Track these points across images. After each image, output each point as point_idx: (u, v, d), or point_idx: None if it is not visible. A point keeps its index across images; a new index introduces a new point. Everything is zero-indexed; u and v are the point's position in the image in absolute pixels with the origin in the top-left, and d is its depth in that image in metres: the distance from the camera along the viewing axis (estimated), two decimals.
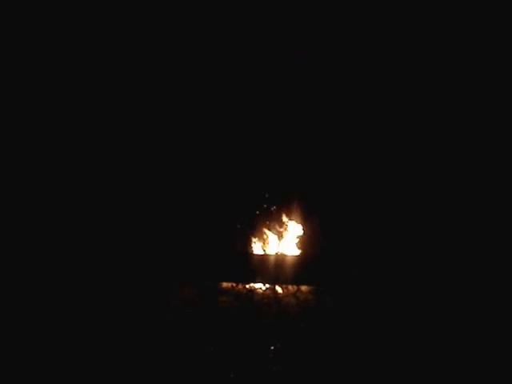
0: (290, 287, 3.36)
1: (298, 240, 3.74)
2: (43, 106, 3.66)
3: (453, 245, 3.38)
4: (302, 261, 3.58)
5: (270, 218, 3.78)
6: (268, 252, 3.72)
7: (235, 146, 3.76)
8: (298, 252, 3.69)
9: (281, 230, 3.79)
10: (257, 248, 3.75)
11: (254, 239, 3.76)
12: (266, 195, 3.78)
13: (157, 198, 3.70)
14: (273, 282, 3.40)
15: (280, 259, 3.55)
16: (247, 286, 3.39)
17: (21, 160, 3.63)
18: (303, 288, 3.35)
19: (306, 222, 3.74)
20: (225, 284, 3.42)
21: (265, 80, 3.71)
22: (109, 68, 3.69)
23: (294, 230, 3.77)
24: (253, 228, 3.77)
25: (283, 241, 3.77)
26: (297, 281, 3.40)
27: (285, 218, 3.79)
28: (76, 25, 3.64)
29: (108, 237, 3.58)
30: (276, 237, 3.78)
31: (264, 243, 3.77)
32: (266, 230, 3.77)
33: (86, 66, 3.68)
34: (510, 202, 3.37)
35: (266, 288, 3.37)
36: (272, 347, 2.61)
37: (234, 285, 3.40)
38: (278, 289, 3.36)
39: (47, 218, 3.57)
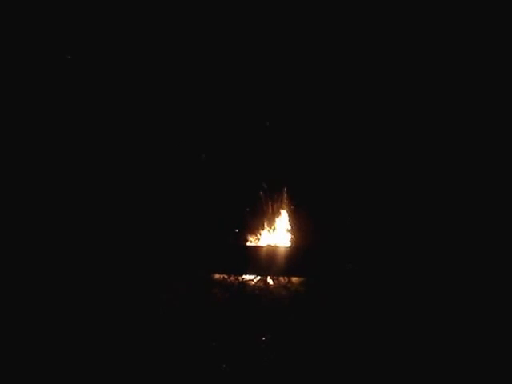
0: (281, 279, 3.38)
1: (289, 232, 3.77)
2: (43, 106, 3.64)
3: (444, 237, 3.41)
4: (292, 252, 3.61)
5: (261, 209, 3.80)
6: (259, 244, 3.74)
7: (227, 139, 3.76)
8: (289, 244, 3.72)
9: (272, 221, 3.81)
10: (248, 240, 3.77)
11: (245, 231, 3.78)
12: (258, 187, 3.79)
13: (148, 191, 3.70)
14: (264, 274, 3.43)
15: (271, 251, 3.57)
16: (239, 278, 3.41)
17: (20, 159, 3.61)
18: (294, 280, 3.37)
19: (297, 213, 3.76)
20: (216, 276, 3.43)
21: (258, 75, 3.70)
22: (109, 68, 3.67)
23: (285, 221, 3.80)
24: (244, 220, 3.79)
25: (274, 232, 3.79)
26: (288, 272, 3.43)
27: (276, 210, 3.81)
28: (76, 25, 3.61)
29: (98, 230, 3.58)
30: (267, 228, 3.80)
31: (255, 235, 3.79)
32: (258, 222, 3.79)
33: (86, 66, 3.66)
34: (509, 201, 3.40)
35: (258, 280, 3.39)
36: (263, 338, 2.64)
37: (226, 276, 3.42)
38: (269, 281, 3.38)
39: (39, 212, 3.56)
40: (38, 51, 3.60)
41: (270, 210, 3.80)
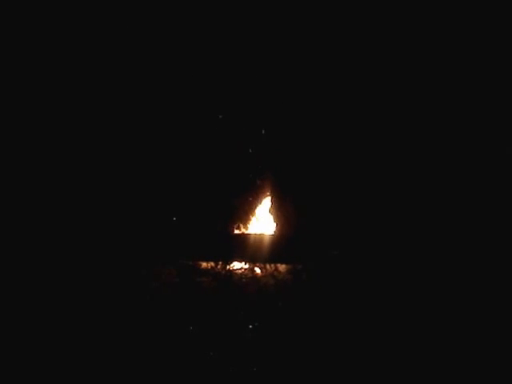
0: (268, 267, 3.41)
1: (275, 219, 3.78)
2: (43, 106, 3.57)
3: (432, 225, 3.45)
4: (279, 240, 3.63)
5: (248, 197, 3.81)
6: (246, 232, 3.76)
7: (214, 127, 3.73)
8: (275, 231, 3.74)
9: (259, 209, 3.82)
10: (236, 228, 3.78)
11: (233, 219, 3.78)
12: (244, 175, 3.79)
13: (134, 179, 3.67)
14: (251, 262, 3.45)
15: (258, 239, 3.59)
16: (226, 266, 3.43)
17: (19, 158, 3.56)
18: (281, 268, 3.40)
19: (283, 201, 3.77)
20: (204, 264, 3.44)
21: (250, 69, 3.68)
22: (109, 68, 3.61)
23: (271, 209, 3.81)
24: (231, 208, 3.79)
25: (261, 220, 3.81)
26: (275, 260, 3.45)
27: (263, 198, 3.82)
28: (76, 25, 3.53)
29: (86, 218, 3.55)
30: (254, 216, 3.81)
31: (242, 223, 3.80)
32: (245, 210, 3.80)
33: (86, 66, 3.59)
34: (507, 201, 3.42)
35: (245, 268, 3.41)
36: (250, 326, 2.67)
37: (213, 265, 3.43)
38: (257, 269, 3.41)
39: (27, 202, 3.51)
40: (38, 51, 3.53)
41: (257, 198, 3.81)
